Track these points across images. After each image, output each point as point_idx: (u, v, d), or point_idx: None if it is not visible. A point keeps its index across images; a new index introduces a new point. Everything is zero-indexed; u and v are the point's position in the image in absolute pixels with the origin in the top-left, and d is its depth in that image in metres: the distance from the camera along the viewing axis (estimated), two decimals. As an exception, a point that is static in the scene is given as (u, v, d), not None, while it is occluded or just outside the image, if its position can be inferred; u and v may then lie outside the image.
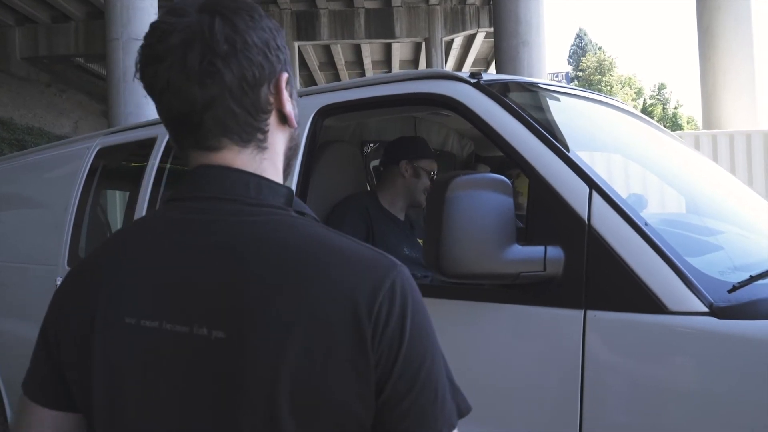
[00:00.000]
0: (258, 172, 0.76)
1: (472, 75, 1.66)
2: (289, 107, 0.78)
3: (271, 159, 0.79)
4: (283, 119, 0.79)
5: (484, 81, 1.64)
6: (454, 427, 0.69)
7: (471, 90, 1.61)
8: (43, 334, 0.80)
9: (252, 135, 0.76)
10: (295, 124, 0.80)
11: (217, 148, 0.75)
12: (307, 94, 2.00)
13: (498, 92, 1.61)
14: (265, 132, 0.77)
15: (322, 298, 0.66)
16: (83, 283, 0.78)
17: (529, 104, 1.79)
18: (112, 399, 0.73)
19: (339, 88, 1.93)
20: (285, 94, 0.77)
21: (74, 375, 0.76)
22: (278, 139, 0.79)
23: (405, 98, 1.76)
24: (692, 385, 1.18)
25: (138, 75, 0.76)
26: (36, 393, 0.81)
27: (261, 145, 0.77)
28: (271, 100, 0.77)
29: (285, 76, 0.77)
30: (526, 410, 1.36)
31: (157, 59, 0.73)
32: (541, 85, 1.98)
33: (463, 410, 0.71)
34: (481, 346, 1.45)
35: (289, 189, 0.78)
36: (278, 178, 0.79)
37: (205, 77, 0.72)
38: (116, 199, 3.76)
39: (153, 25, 0.75)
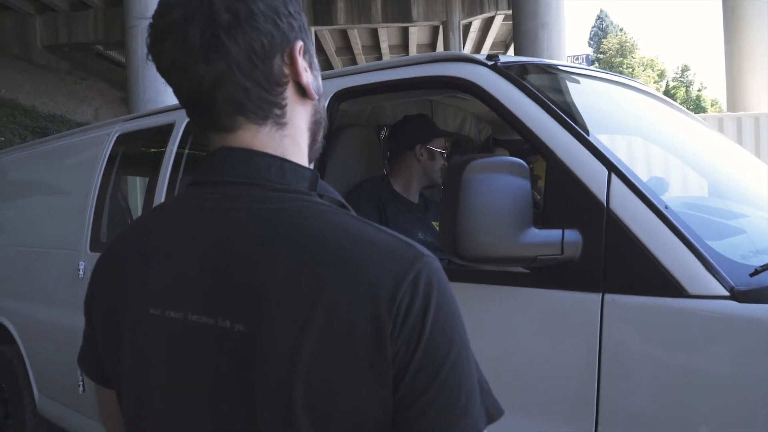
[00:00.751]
0: (279, 151, 0.72)
1: (489, 57, 1.64)
2: (307, 78, 0.73)
3: (293, 136, 0.74)
4: (302, 91, 0.73)
5: (502, 63, 1.62)
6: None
7: (488, 72, 1.59)
8: (86, 315, 0.80)
9: (268, 111, 0.71)
10: (316, 96, 0.75)
11: (234, 128, 0.71)
12: (322, 78, 1.99)
13: (515, 74, 1.59)
14: (282, 107, 0.72)
15: (342, 292, 0.63)
16: (109, 271, 0.77)
17: (547, 86, 1.77)
18: (138, 390, 0.73)
19: (355, 72, 1.92)
20: (301, 64, 0.72)
21: (107, 360, 0.77)
22: (299, 114, 0.75)
23: (421, 81, 1.75)
24: (711, 370, 1.17)
25: (149, 56, 0.72)
26: (90, 372, 0.82)
27: (279, 121, 0.72)
28: (286, 71, 0.71)
29: (300, 44, 0.72)
30: (543, 394, 1.36)
31: (161, 36, 0.69)
32: (559, 67, 1.96)
33: (493, 415, 0.66)
34: (497, 330, 1.45)
35: (314, 172, 0.74)
36: (302, 156, 0.75)
37: (209, 52, 0.67)
38: (136, 185, 3.80)
39: (158, 4, 0.71)
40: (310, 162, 0.78)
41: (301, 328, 0.62)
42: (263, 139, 0.72)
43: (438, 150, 2.28)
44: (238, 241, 0.67)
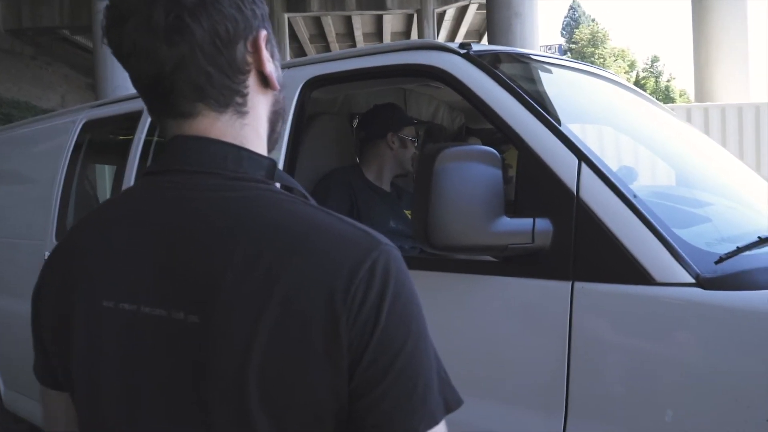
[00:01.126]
0: (238, 139, 0.71)
1: (462, 45, 1.64)
2: (270, 67, 0.73)
3: (253, 125, 0.73)
4: (265, 81, 0.73)
5: (474, 52, 1.62)
6: (436, 423, 0.63)
7: (460, 61, 1.59)
8: (33, 312, 0.77)
9: (230, 98, 0.70)
10: (278, 86, 0.75)
11: (192, 114, 0.70)
12: (294, 66, 1.97)
13: (488, 63, 1.59)
14: (244, 95, 0.71)
15: (297, 281, 0.62)
16: (62, 264, 0.74)
17: (519, 75, 1.77)
18: (90, 384, 0.70)
19: (327, 59, 1.90)
20: (265, 53, 0.72)
21: (57, 358, 0.74)
22: (260, 103, 0.74)
23: (394, 69, 1.74)
24: (678, 356, 1.19)
25: (105, 39, 0.70)
26: (40, 376, 0.79)
27: (240, 109, 0.71)
28: (249, 59, 0.71)
29: (264, 32, 0.72)
30: (514, 381, 1.37)
31: (121, 19, 0.67)
32: (532, 56, 1.96)
33: (451, 405, 0.66)
34: (469, 318, 1.46)
35: (272, 160, 0.73)
36: (261, 145, 0.74)
37: (172, 34, 0.66)
38: (104, 173, 3.72)
39: None
40: (269, 151, 0.77)
41: (255, 319, 0.61)
42: (222, 126, 0.71)
43: (409, 138, 2.28)
44: (193, 230, 0.66)
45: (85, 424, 0.73)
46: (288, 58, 15.80)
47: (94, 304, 0.69)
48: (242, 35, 0.70)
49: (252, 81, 0.72)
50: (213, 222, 0.66)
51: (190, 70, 0.67)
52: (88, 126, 2.68)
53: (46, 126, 3.06)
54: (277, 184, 0.73)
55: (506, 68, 1.70)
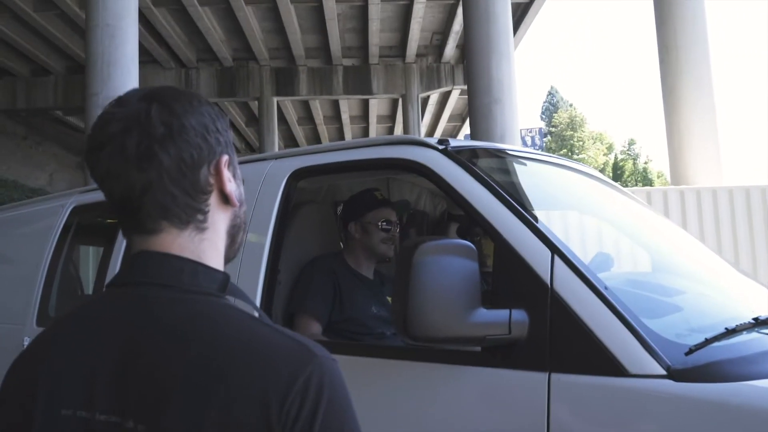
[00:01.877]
0: (196, 254, 0.78)
1: (440, 141, 1.73)
2: (230, 187, 0.81)
3: (211, 239, 0.80)
4: (225, 199, 0.81)
5: (452, 147, 1.71)
6: None
7: (439, 156, 1.68)
8: None
9: (191, 216, 0.78)
10: (237, 203, 0.83)
11: (156, 231, 0.77)
12: (281, 157, 2.06)
13: (465, 158, 1.68)
14: (205, 212, 0.79)
15: (235, 395, 0.66)
16: (23, 371, 0.78)
17: (495, 169, 1.86)
18: None
19: (312, 152, 1.99)
20: (225, 174, 0.80)
21: None
22: (220, 219, 0.82)
23: (376, 163, 1.82)
24: (653, 448, 1.21)
25: (85, 163, 0.79)
26: None
27: (200, 225, 0.79)
28: (212, 180, 0.79)
29: (225, 157, 0.81)
30: (495, 473, 1.37)
31: (98, 146, 0.76)
32: (507, 151, 2.07)
33: None
34: (448, 408, 1.46)
35: (225, 275, 0.80)
36: (218, 258, 0.81)
37: (142, 161, 0.74)
38: (89, 256, 3.73)
39: (99, 116, 0.78)
40: (229, 259, 0.85)
41: (198, 427, 0.65)
42: (182, 242, 0.78)
43: (371, 223, 2.28)
44: (144, 341, 0.71)
45: None
46: (276, 139, 16.17)
47: (53, 413, 0.72)
48: (206, 160, 0.79)
49: (213, 199, 0.80)
50: (161, 334, 0.71)
51: (157, 192, 0.76)
52: (78, 210, 2.72)
53: (35, 209, 3.09)
54: (230, 298, 0.79)
55: (482, 163, 1.79)
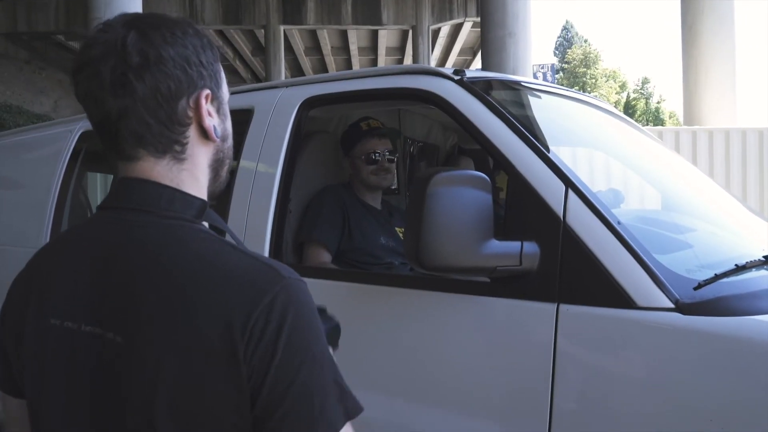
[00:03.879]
0: (175, 182, 0.80)
1: (456, 72, 1.69)
2: (209, 122, 0.81)
3: (190, 170, 0.82)
4: (204, 134, 0.82)
5: (467, 78, 1.67)
6: (337, 430, 0.71)
7: (454, 86, 1.64)
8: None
9: (168, 146, 0.79)
10: (217, 139, 0.83)
11: (135, 158, 0.79)
12: (292, 85, 2.02)
13: (480, 89, 1.64)
14: (183, 144, 0.80)
15: (202, 314, 0.70)
16: (20, 285, 0.84)
17: (510, 102, 1.83)
18: (38, 394, 0.80)
19: (324, 80, 1.95)
20: (205, 109, 0.81)
21: (17, 368, 0.84)
22: (200, 152, 0.83)
23: (389, 92, 1.79)
24: (657, 378, 1.23)
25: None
26: (0, 383, 0.88)
27: (178, 156, 0.81)
28: (190, 114, 0.80)
29: (206, 92, 0.81)
30: (499, 399, 1.41)
31: (78, 69, 0.78)
32: (523, 83, 2.02)
33: (350, 412, 0.73)
34: (457, 337, 1.49)
35: (203, 201, 0.82)
36: (199, 188, 0.83)
37: (117, 88, 0.76)
38: (97, 182, 3.73)
39: (84, 39, 0.79)
40: (216, 191, 0.88)
41: (165, 347, 0.70)
42: (160, 170, 0.80)
43: (358, 157, 2.25)
44: (122, 259, 0.76)
45: (35, 429, 0.83)
46: (283, 69, 15.87)
47: (43, 321, 0.79)
48: (185, 92, 0.79)
49: (193, 132, 0.81)
50: (141, 253, 0.75)
51: (132, 119, 0.77)
52: (86, 135, 2.70)
53: (43, 134, 3.08)
54: (205, 224, 0.82)
55: (498, 95, 1.76)
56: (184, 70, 0.78)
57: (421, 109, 2.76)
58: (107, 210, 0.81)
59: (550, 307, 1.34)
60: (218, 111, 0.83)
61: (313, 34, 18.60)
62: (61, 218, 2.70)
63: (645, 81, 44.45)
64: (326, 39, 18.95)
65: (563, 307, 1.33)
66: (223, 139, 0.86)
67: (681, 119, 9.74)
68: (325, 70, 21.91)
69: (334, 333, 0.84)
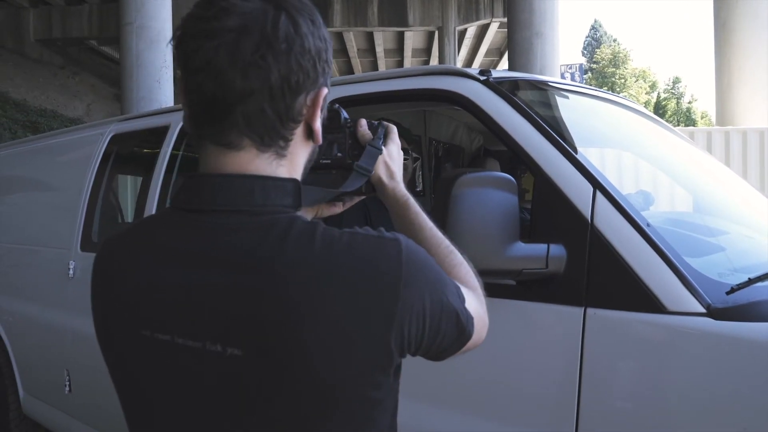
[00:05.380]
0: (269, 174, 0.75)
1: (482, 72, 1.67)
2: (318, 124, 0.77)
3: (288, 168, 0.77)
4: (310, 133, 0.78)
5: (493, 78, 1.65)
6: (464, 300, 0.80)
7: (480, 87, 1.63)
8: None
9: (274, 140, 0.74)
10: (320, 141, 0.80)
11: (236, 146, 0.73)
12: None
13: (506, 90, 1.62)
14: (288, 140, 0.75)
15: (337, 309, 0.68)
16: (102, 292, 0.79)
17: (537, 102, 1.80)
18: (137, 407, 0.77)
19: (349, 82, 1.95)
20: (319, 110, 0.76)
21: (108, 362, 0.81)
22: (300, 151, 0.78)
23: (415, 93, 1.78)
24: (688, 385, 1.20)
25: (174, 42, 0.72)
26: None
27: (281, 152, 0.76)
28: (304, 111, 0.75)
29: (325, 91, 0.77)
30: (526, 404, 1.39)
31: (206, 35, 0.69)
32: (550, 83, 1.99)
33: (463, 298, 0.80)
34: (483, 341, 1.48)
35: (295, 182, 0.77)
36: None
37: (251, 67, 0.69)
38: (128, 185, 3.80)
39: (210, 1, 0.71)
40: None
41: (306, 350, 0.67)
42: (260, 163, 0.75)
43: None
44: (221, 267, 0.70)
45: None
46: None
47: (133, 332, 0.74)
48: (308, 88, 0.74)
49: (299, 130, 0.76)
50: (238, 259, 0.70)
51: (251, 105, 0.71)
52: (116, 139, 2.75)
53: (75, 137, 3.14)
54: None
55: (524, 95, 1.73)
56: (314, 64, 0.73)
57: (447, 111, 2.75)
58: (195, 213, 0.74)
59: (577, 311, 1.32)
60: (322, 111, 0.79)
61: (339, 37, 18.70)
62: (92, 221, 2.75)
63: (676, 81, 43.60)
64: (352, 41, 19.03)
65: (590, 311, 1.31)
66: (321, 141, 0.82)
67: (713, 119, 9.53)
68: (352, 72, 22.00)
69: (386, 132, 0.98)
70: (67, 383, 2.70)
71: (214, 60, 0.69)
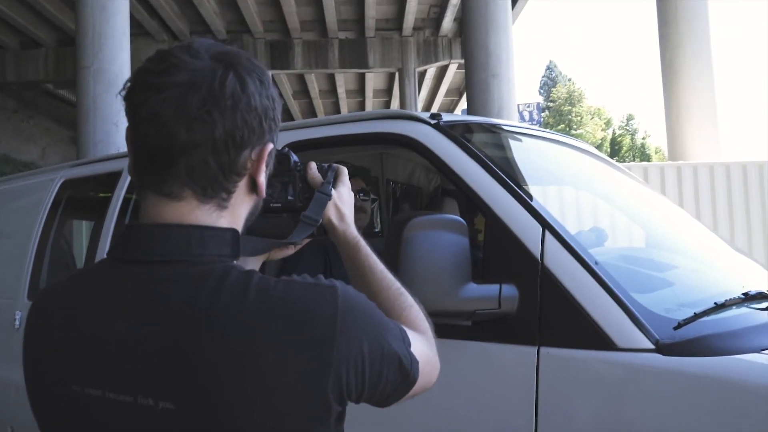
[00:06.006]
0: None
1: (433, 116, 1.71)
2: (263, 178, 0.79)
3: (228, 219, 0.78)
4: (254, 187, 0.79)
5: (444, 122, 1.69)
6: (410, 344, 0.81)
7: (430, 131, 1.66)
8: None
9: (216, 192, 0.75)
10: (264, 195, 0.81)
11: (177, 197, 0.74)
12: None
13: (457, 133, 1.66)
14: (230, 193, 0.76)
15: (273, 360, 0.67)
16: (34, 341, 0.77)
17: (487, 144, 1.84)
18: None
19: (303, 126, 1.96)
20: (264, 164, 0.78)
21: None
22: (242, 203, 0.79)
23: (368, 137, 1.80)
24: (640, 421, 1.21)
25: (124, 93, 0.74)
26: None
27: (222, 204, 0.76)
28: (249, 165, 0.76)
29: (270, 147, 0.78)
30: (484, 446, 1.38)
31: (154, 88, 0.71)
32: (500, 126, 2.04)
33: (407, 340, 0.80)
34: (439, 382, 1.46)
35: (234, 232, 0.78)
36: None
37: (196, 121, 0.71)
38: (82, 230, 3.70)
39: (163, 55, 0.74)
40: None
41: (244, 402, 0.66)
42: (200, 215, 0.75)
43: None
44: (154, 319, 0.70)
45: None
46: (271, 113, 15.95)
47: (64, 388, 0.72)
48: (253, 144, 0.76)
49: (243, 183, 0.78)
50: (173, 311, 0.69)
51: (195, 158, 0.72)
52: (67, 184, 2.70)
53: (24, 184, 3.07)
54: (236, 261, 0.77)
55: (475, 138, 1.77)
56: (260, 122, 0.75)
57: (403, 152, 2.78)
58: (128, 263, 0.74)
59: (531, 350, 1.33)
60: (267, 166, 0.80)
61: (301, 78, 18.88)
62: (41, 268, 2.66)
63: (630, 117, 45.18)
64: (314, 82, 19.23)
65: (544, 350, 1.32)
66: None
67: (666, 154, 9.87)
68: (314, 114, 22.16)
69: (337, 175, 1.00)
70: (11, 437, 2.57)
71: (161, 112, 0.71)
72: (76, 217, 3.39)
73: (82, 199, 3.00)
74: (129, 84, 0.74)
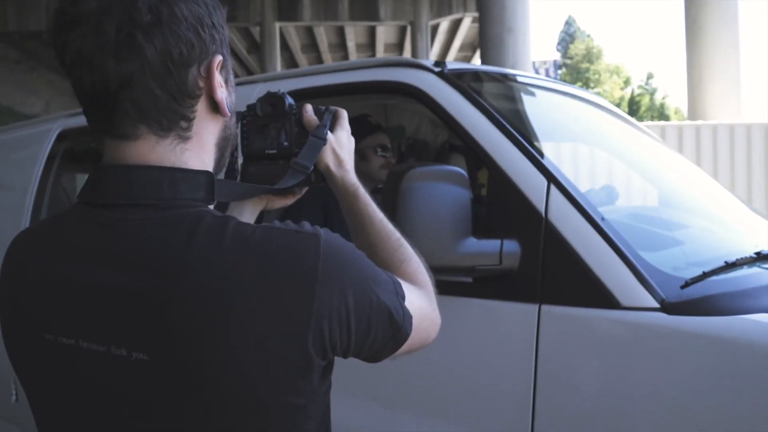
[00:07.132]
0: (177, 165, 0.70)
1: (437, 63, 1.63)
2: (221, 93, 0.72)
3: (195, 150, 0.72)
4: (215, 107, 0.72)
5: (449, 70, 1.61)
6: (404, 297, 0.75)
7: (434, 79, 1.58)
8: None
9: (174, 123, 0.69)
10: (228, 113, 0.74)
11: (132, 136, 0.68)
12: (271, 80, 1.96)
13: (462, 82, 1.58)
14: (190, 119, 0.70)
15: (248, 310, 0.63)
16: (6, 290, 0.74)
17: (494, 95, 1.76)
18: (43, 413, 0.74)
19: (303, 74, 1.89)
20: (217, 79, 0.71)
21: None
22: (207, 129, 0.73)
23: (369, 86, 1.73)
24: (642, 380, 1.18)
25: (53, 45, 0.68)
26: None
27: (183, 134, 0.70)
28: (201, 84, 0.70)
29: (218, 58, 0.71)
30: (481, 401, 1.35)
31: (68, 25, 0.65)
32: (509, 76, 1.95)
33: (401, 293, 0.75)
34: (436, 339, 1.43)
35: (208, 174, 0.72)
36: (204, 169, 0.73)
37: (122, 50, 0.64)
38: (78, 183, 3.68)
39: None
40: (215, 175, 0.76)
41: (223, 356, 0.63)
42: (161, 151, 0.70)
43: (368, 148, 2.20)
44: (125, 265, 0.66)
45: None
46: (279, 67, 15.78)
47: (36, 336, 0.70)
48: (197, 59, 0.68)
49: (201, 106, 0.72)
50: (144, 258, 0.65)
51: (136, 89, 0.66)
52: (64, 135, 2.64)
53: (20, 134, 3.01)
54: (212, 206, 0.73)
55: (481, 87, 1.69)
56: (197, 32, 0.67)
57: (408, 103, 2.70)
58: (98, 207, 0.69)
59: (531, 308, 1.28)
60: (226, 81, 0.73)
61: (309, 31, 18.54)
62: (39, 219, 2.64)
63: (649, 76, 44.16)
64: (323, 36, 18.89)
65: (545, 307, 1.27)
66: (232, 113, 0.76)
67: (686, 114, 9.66)
68: (325, 68, 21.84)
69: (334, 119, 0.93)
70: (14, 391, 2.60)
71: (83, 49, 0.64)
72: (74, 170, 3.35)
73: (80, 150, 2.95)
74: (49, 29, 0.68)
